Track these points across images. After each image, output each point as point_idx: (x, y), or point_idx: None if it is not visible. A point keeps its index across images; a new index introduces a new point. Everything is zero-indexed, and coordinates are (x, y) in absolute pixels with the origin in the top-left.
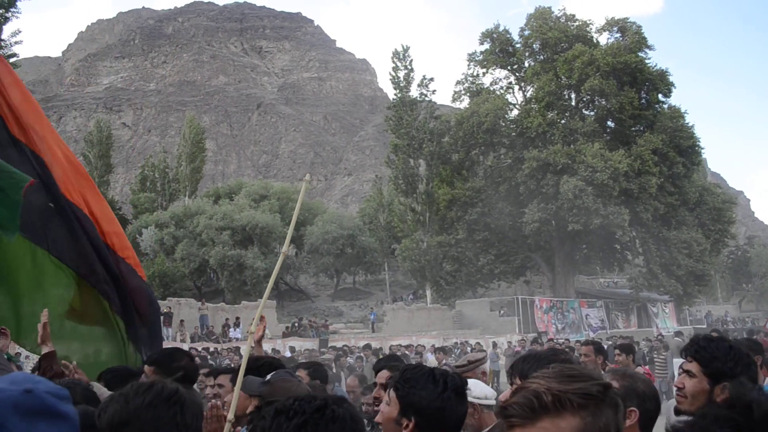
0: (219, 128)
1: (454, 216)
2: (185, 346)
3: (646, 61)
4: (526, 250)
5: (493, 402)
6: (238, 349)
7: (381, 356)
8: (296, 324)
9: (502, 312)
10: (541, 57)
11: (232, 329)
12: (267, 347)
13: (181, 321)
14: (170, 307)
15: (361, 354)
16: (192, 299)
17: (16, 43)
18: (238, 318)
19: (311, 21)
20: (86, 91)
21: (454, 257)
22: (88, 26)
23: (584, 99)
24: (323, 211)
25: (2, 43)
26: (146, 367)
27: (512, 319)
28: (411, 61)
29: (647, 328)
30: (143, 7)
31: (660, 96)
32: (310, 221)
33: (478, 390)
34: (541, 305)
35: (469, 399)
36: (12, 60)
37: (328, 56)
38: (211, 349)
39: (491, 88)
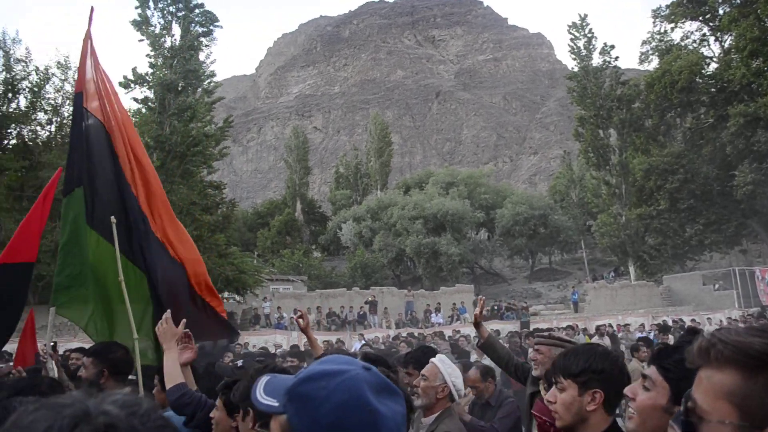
0: (402, 121)
1: (653, 186)
2: (391, 333)
3: None
4: (740, 216)
5: None
6: (441, 333)
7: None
8: (495, 307)
9: (717, 286)
10: (738, 1)
11: (433, 314)
12: (468, 331)
13: (385, 308)
14: (374, 296)
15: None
16: (393, 287)
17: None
18: (438, 303)
19: (480, 2)
20: (279, 101)
21: (657, 230)
22: (275, 42)
23: None
24: (511, 193)
25: (203, 68)
26: (85, 359)
27: (730, 293)
28: (590, 29)
29: None
30: (320, 16)
31: None
32: (499, 204)
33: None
34: (763, 276)
35: None
36: (213, 81)
37: (501, 35)
38: (416, 334)
39: (682, 44)
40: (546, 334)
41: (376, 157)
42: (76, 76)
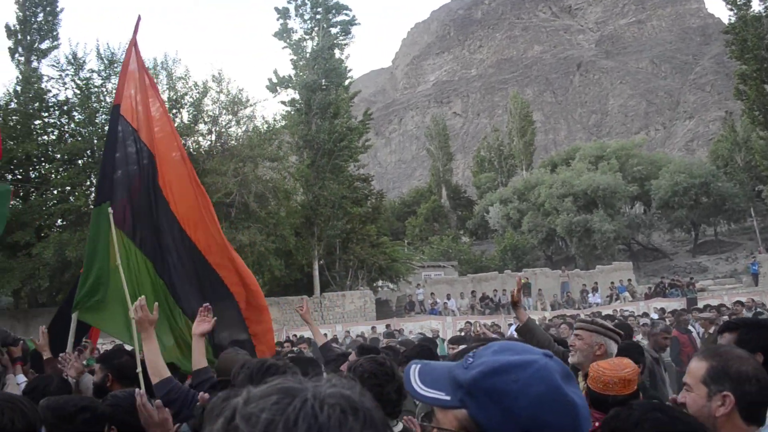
0: (543, 97)
1: None
2: (546, 315)
3: None
4: None
5: None
6: (599, 313)
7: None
8: (659, 285)
9: None
10: None
11: (590, 294)
12: (632, 309)
13: (539, 290)
14: (527, 278)
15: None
16: (546, 268)
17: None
18: (596, 283)
19: None
20: (417, 90)
21: None
22: (408, 32)
23: None
24: (667, 162)
25: (344, 66)
26: (95, 364)
27: None
28: None
29: None
30: (451, 0)
31: None
32: (654, 175)
33: None
34: None
35: None
36: (351, 77)
37: None
38: (568, 314)
39: None
40: (589, 319)
41: (518, 137)
42: (230, 86)
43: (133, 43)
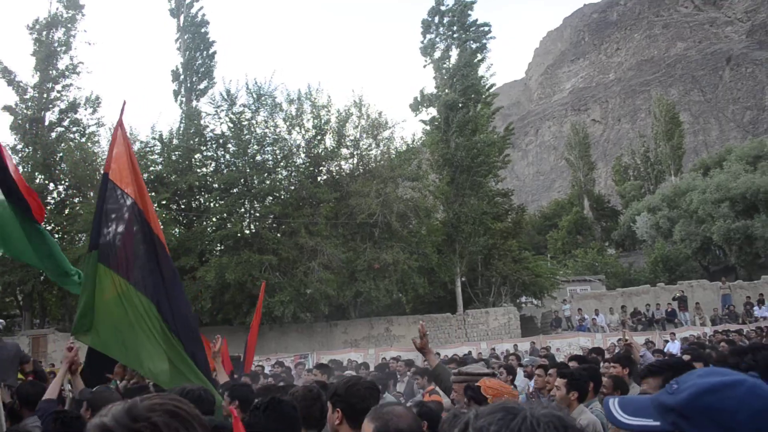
0: (689, 97)
1: None
2: (707, 330)
3: None
4: None
5: None
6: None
7: None
8: None
9: None
10: None
11: (756, 307)
12: None
13: (696, 303)
14: (683, 291)
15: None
16: (704, 280)
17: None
18: (761, 295)
19: None
20: (553, 99)
21: None
22: (540, 41)
23: None
24: None
25: (482, 80)
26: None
27: None
28: None
29: None
30: (584, 5)
31: None
32: None
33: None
34: None
35: None
36: (490, 93)
37: None
38: (732, 330)
39: None
40: (456, 370)
41: (664, 141)
42: (368, 111)
43: (120, 124)
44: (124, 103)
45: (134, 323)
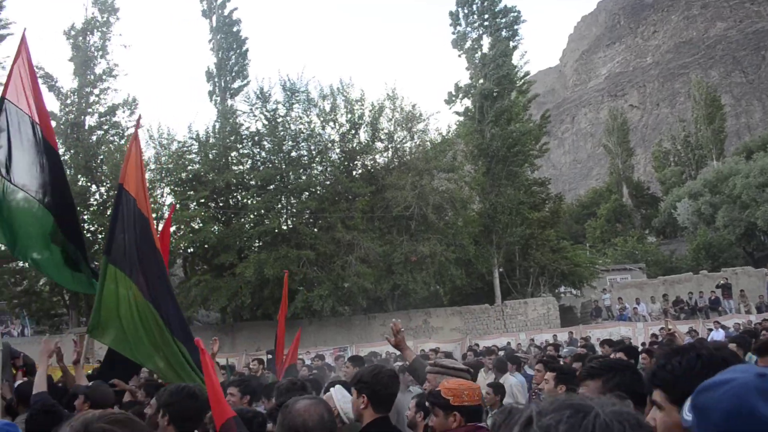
0: (731, 79)
1: None
2: (752, 318)
3: None
4: None
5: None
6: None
7: None
8: None
9: None
10: None
11: None
12: None
13: (741, 291)
14: (726, 278)
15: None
16: (749, 267)
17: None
18: None
19: None
20: (589, 86)
21: None
22: (575, 27)
23: None
24: None
25: (516, 68)
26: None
27: None
28: None
29: None
30: None
31: None
32: None
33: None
34: None
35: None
36: (525, 81)
37: None
38: None
39: None
40: (432, 362)
41: (705, 124)
42: (402, 104)
43: (135, 137)
44: (140, 117)
45: (138, 322)
